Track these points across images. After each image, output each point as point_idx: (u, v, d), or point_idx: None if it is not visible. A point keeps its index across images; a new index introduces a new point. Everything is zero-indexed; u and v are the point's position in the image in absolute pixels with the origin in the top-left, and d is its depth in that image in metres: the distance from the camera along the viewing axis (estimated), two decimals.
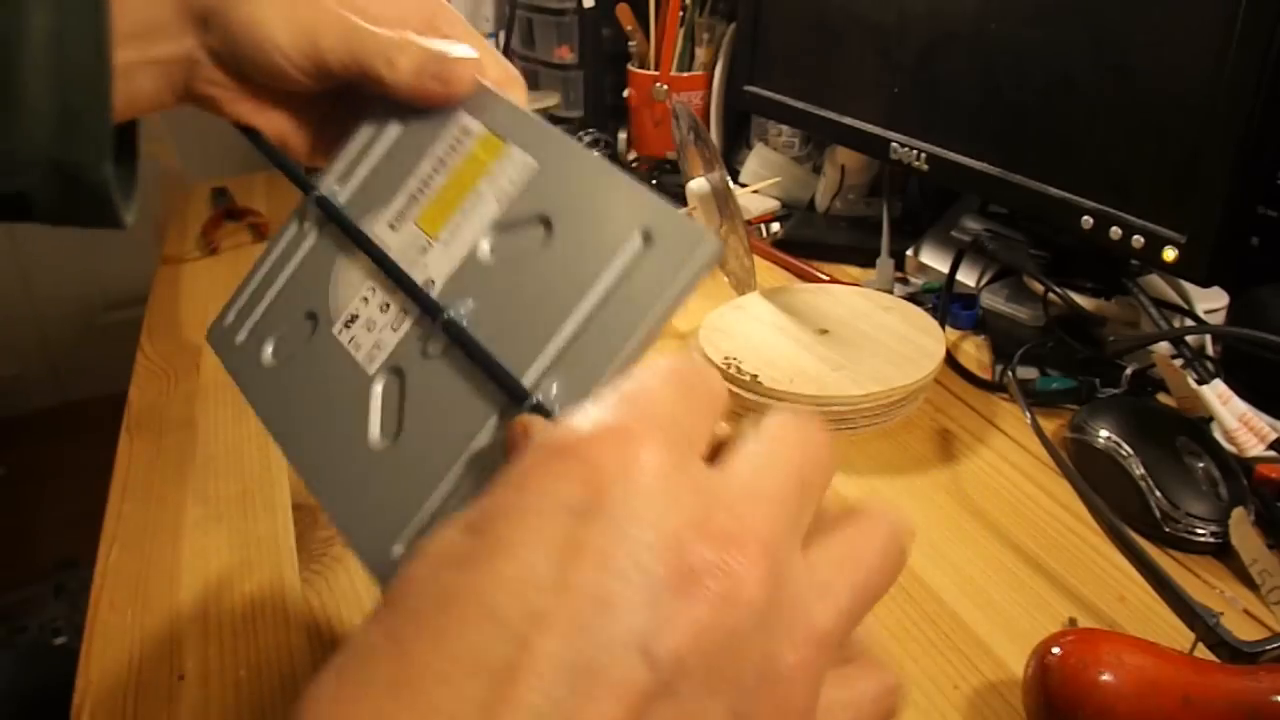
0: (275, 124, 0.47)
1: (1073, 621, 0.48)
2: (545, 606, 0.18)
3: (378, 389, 0.38)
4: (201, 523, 0.57)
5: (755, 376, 0.62)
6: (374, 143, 0.43)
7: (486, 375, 0.34)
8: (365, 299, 0.40)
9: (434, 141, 0.41)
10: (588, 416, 0.21)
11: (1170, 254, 0.58)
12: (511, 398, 0.32)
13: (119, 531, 0.57)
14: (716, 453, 0.23)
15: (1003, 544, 0.54)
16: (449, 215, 0.39)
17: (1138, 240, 0.60)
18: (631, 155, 1.11)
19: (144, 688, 0.46)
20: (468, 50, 0.41)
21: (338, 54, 0.42)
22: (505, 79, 0.42)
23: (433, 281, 0.38)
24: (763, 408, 0.62)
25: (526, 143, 0.38)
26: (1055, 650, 0.39)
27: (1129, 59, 0.60)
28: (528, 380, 0.32)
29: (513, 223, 0.37)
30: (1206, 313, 0.69)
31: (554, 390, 0.32)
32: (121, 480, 0.62)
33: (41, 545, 1.84)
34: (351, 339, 0.40)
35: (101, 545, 0.56)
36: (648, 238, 0.33)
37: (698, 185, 0.73)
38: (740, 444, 0.23)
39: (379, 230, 0.40)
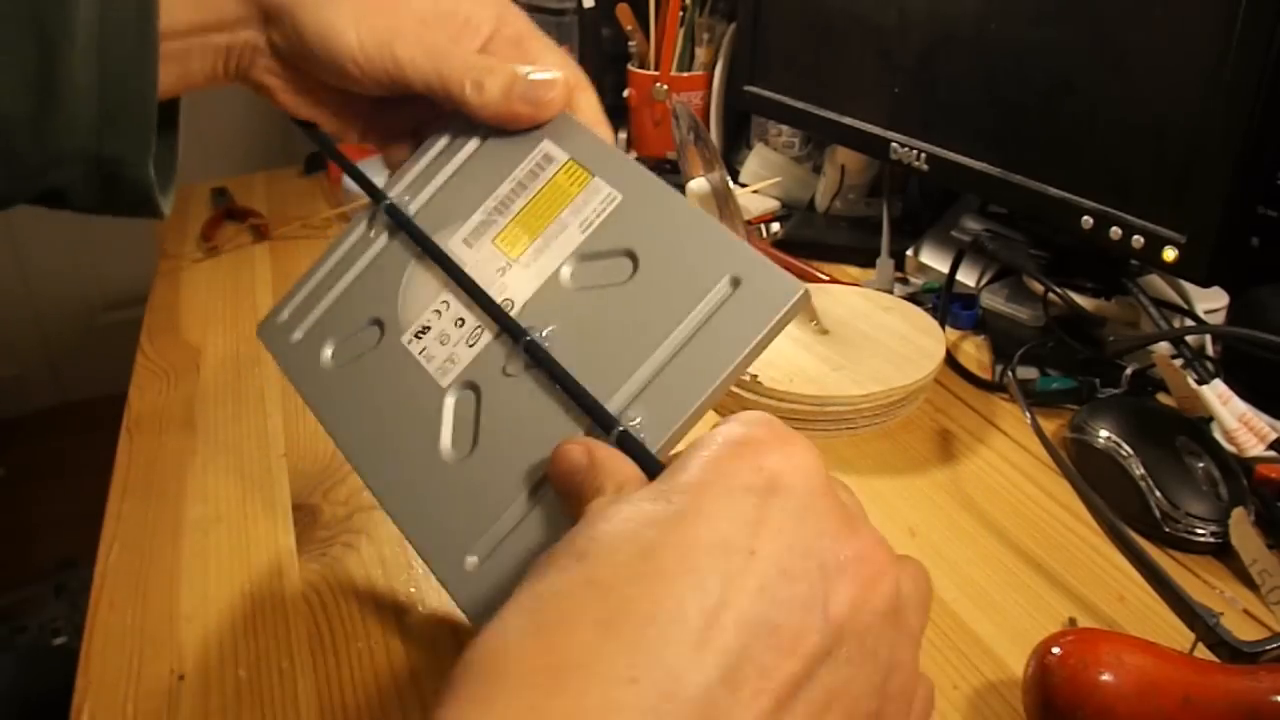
0: (329, 116, 0.47)
1: (1073, 621, 0.48)
2: (738, 568, 0.21)
3: (450, 402, 0.39)
4: (201, 523, 0.57)
5: (755, 376, 0.62)
6: (449, 155, 0.43)
7: (570, 399, 0.35)
8: (438, 312, 0.40)
9: (514, 164, 0.41)
10: (746, 425, 0.26)
11: (1170, 254, 0.58)
12: (596, 422, 0.33)
13: (119, 531, 0.57)
14: None
15: (1003, 544, 0.54)
16: (530, 239, 0.39)
17: (1138, 240, 0.60)
18: (631, 155, 1.11)
19: (144, 688, 0.46)
20: (554, 73, 0.41)
21: (420, 71, 0.41)
22: (595, 121, 0.42)
23: (511, 302, 0.39)
24: (763, 408, 0.62)
25: (611, 176, 0.39)
26: (1055, 650, 0.39)
27: (1129, 59, 0.60)
28: (613, 408, 0.33)
29: (596, 253, 0.38)
30: (1206, 313, 0.69)
31: (638, 420, 0.33)
32: (121, 480, 0.62)
33: (41, 545, 1.84)
34: (423, 350, 0.40)
35: (101, 545, 0.56)
36: (736, 283, 0.35)
37: (698, 185, 0.73)
38: None
39: (453, 245, 0.41)
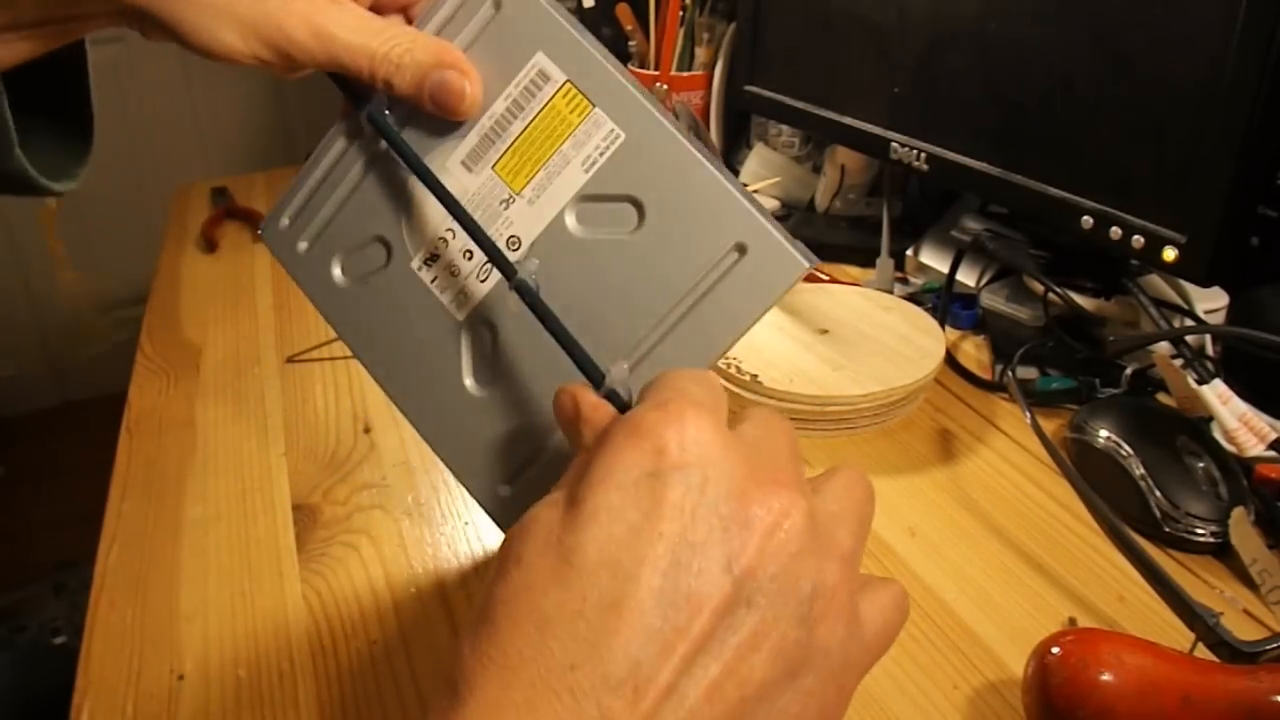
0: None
1: (1072, 621, 0.48)
2: (649, 552, 0.23)
3: (468, 337, 0.39)
4: (201, 523, 0.57)
5: (755, 376, 0.62)
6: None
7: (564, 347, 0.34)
8: (444, 240, 0.39)
9: (508, 75, 0.38)
10: (645, 404, 0.27)
11: (1170, 254, 0.58)
12: (588, 377, 0.33)
13: (119, 531, 0.57)
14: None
15: (1003, 544, 0.54)
16: (533, 172, 0.38)
17: (1138, 240, 0.60)
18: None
19: (144, 688, 0.46)
20: (466, 84, 0.38)
21: (316, 63, 0.38)
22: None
23: (519, 240, 0.38)
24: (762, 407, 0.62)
25: (614, 110, 0.37)
26: (1055, 650, 0.39)
27: (1129, 59, 0.60)
28: (613, 366, 0.33)
29: (601, 196, 0.37)
30: (1206, 313, 0.69)
31: (630, 379, 0.33)
32: (121, 480, 0.62)
33: (41, 545, 1.84)
34: (434, 279, 0.40)
35: (101, 545, 0.56)
36: (742, 249, 0.35)
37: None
38: (737, 424, 0.28)
39: (451, 166, 0.39)
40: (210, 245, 0.98)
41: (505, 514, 0.38)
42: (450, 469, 0.39)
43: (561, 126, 0.37)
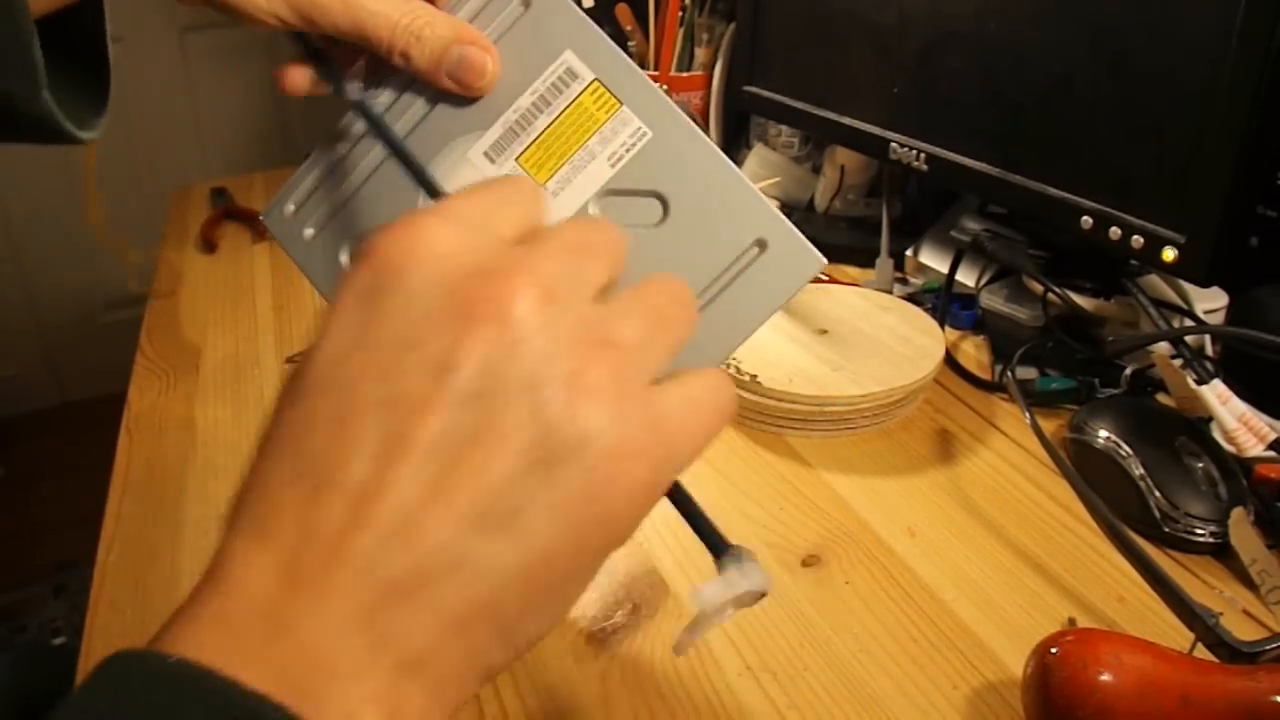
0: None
1: (1072, 621, 0.48)
2: (362, 361, 0.23)
3: None
4: (201, 523, 0.57)
5: (755, 377, 0.62)
6: None
7: None
8: None
9: (534, 71, 0.39)
10: (383, 226, 0.26)
11: (1170, 254, 0.58)
12: None
13: (119, 531, 0.57)
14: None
15: (1003, 544, 0.54)
16: (557, 165, 0.38)
17: (1137, 240, 0.60)
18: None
19: None
20: (487, 58, 0.38)
21: (338, 26, 0.39)
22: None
23: None
24: (763, 408, 0.62)
25: (640, 108, 0.38)
26: (1054, 650, 0.39)
27: (1129, 59, 0.60)
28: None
29: (626, 191, 0.38)
30: (1206, 313, 0.69)
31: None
32: (121, 480, 0.62)
33: (41, 545, 1.84)
34: None
35: (101, 545, 0.56)
36: (762, 245, 0.37)
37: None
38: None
39: (474, 157, 0.39)
40: (210, 246, 0.98)
41: None
42: None
43: (588, 122, 0.38)
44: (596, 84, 0.38)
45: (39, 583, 1.74)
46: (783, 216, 0.36)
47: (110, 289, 2.14)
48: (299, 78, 0.41)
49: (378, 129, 0.37)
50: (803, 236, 0.36)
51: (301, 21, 0.38)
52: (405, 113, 0.40)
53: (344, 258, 0.41)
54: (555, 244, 0.25)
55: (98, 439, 0.90)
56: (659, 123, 0.37)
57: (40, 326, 2.19)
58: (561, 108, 0.38)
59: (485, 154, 0.39)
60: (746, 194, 0.37)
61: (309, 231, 0.42)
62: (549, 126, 0.38)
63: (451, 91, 0.39)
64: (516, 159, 0.39)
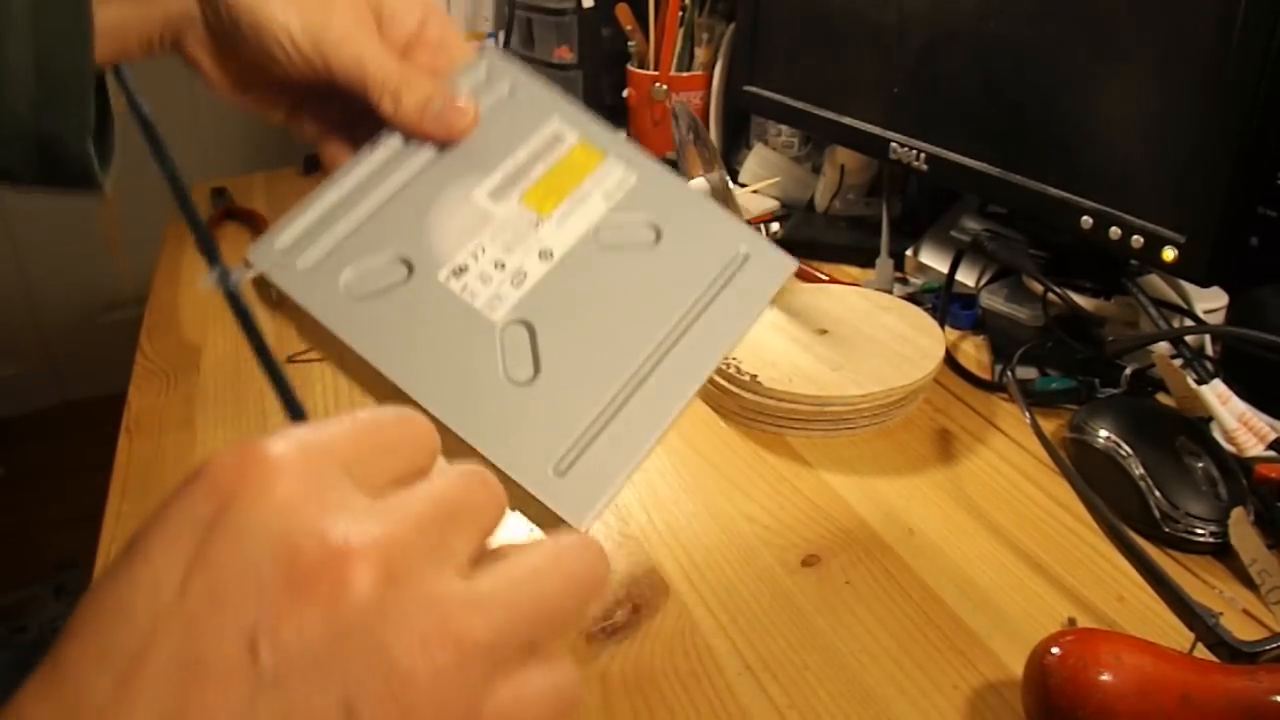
0: (256, 97, 0.48)
1: (1072, 621, 0.48)
2: (167, 606, 0.20)
3: (505, 337, 0.42)
4: None
5: (755, 377, 0.62)
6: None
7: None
8: (475, 256, 0.43)
9: (526, 132, 0.45)
10: (241, 442, 0.23)
11: (1170, 254, 0.58)
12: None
13: (119, 531, 0.57)
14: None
15: (1003, 544, 0.54)
16: (559, 200, 0.44)
17: (1137, 240, 0.60)
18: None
19: None
20: (468, 104, 0.44)
21: (345, 71, 0.43)
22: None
23: (550, 252, 0.43)
24: (763, 408, 0.62)
25: (624, 158, 0.45)
26: (1054, 650, 0.39)
27: (1129, 59, 0.60)
28: (640, 358, 0.40)
29: (623, 220, 0.44)
30: (1206, 313, 0.69)
31: (673, 356, 0.40)
32: (121, 480, 0.62)
33: (41, 545, 1.84)
34: (464, 287, 0.43)
35: (101, 545, 0.56)
36: (745, 257, 0.43)
37: (697, 185, 0.73)
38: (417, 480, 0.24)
39: (477, 198, 0.44)
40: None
41: (557, 495, 0.39)
42: (492, 462, 0.39)
43: (581, 168, 0.45)
44: (583, 141, 0.45)
45: (39, 583, 1.74)
46: (756, 231, 0.44)
47: (110, 289, 2.14)
48: None
49: (243, 319, 0.39)
50: (777, 247, 0.43)
51: (317, 57, 0.43)
52: (407, 161, 0.45)
53: (343, 284, 0.43)
54: (421, 507, 0.23)
55: (98, 439, 0.90)
56: (641, 168, 0.44)
57: (40, 326, 2.19)
58: (555, 159, 0.45)
59: (489, 195, 0.44)
60: (725, 217, 0.44)
61: (304, 264, 0.45)
62: (547, 172, 0.44)
63: (432, 135, 0.44)
64: (520, 199, 0.44)
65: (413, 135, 0.45)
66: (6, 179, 0.43)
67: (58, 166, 0.43)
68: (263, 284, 0.47)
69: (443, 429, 0.40)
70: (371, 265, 0.44)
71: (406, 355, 0.42)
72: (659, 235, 0.44)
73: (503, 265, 0.43)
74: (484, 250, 0.44)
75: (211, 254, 0.40)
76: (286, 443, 0.23)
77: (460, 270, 0.43)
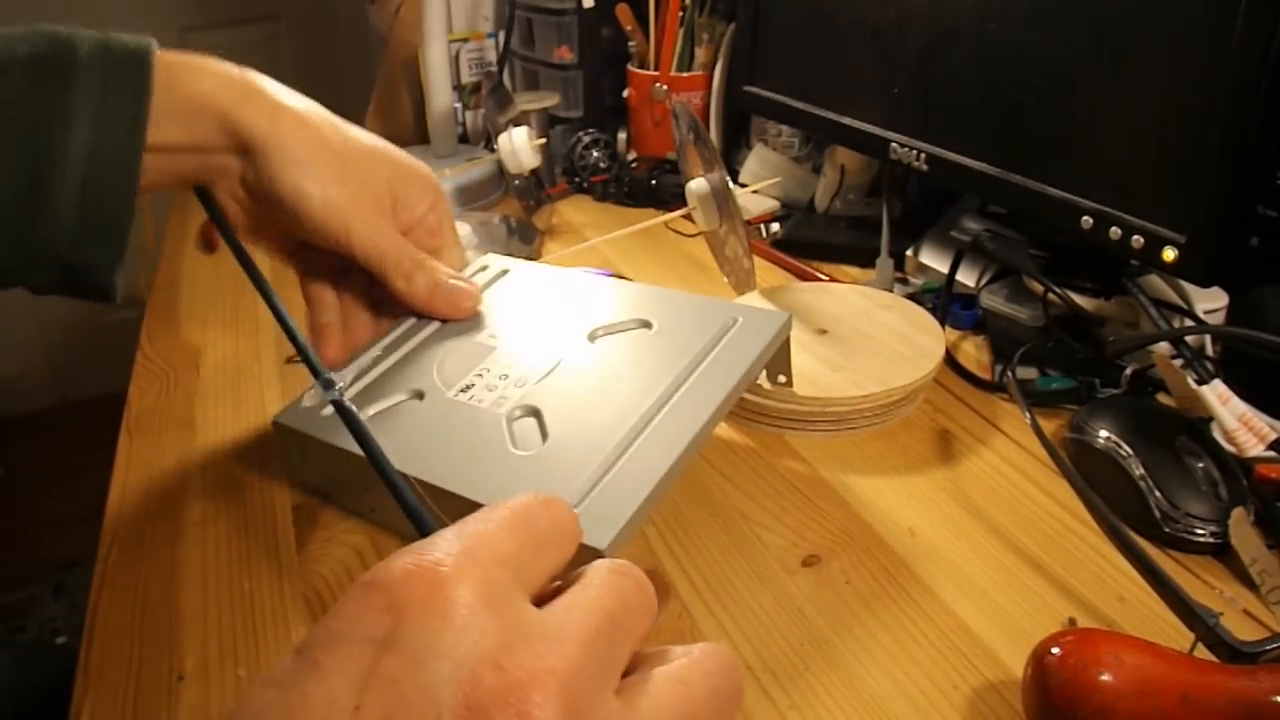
0: (268, 241, 0.55)
1: (1072, 621, 0.48)
2: None
3: (512, 423, 0.47)
4: (201, 523, 0.57)
5: None
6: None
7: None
8: (480, 375, 0.51)
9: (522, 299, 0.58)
10: (410, 552, 0.22)
11: (1170, 254, 0.58)
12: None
13: (119, 531, 0.57)
14: (554, 595, 0.24)
15: (1003, 544, 0.54)
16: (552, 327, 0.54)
17: (1137, 240, 0.60)
18: (631, 155, 1.11)
19: (144, 688, 0.46)
20: (472, 285, 0.55)
21: (365, 252, 0.50)
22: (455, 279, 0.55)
23: (551, 358, 0.50)
24: (763, 408, 0.62)
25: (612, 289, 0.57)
26: (1055, 650, 0.39)
27: (1129, 59, 0.60)
28: (642, 410, 0.45)
29: (613, 326, 0.52)
30: (1206, 313, 0.69)
31: (674, 405, 0.46)
32: (121, 480, 0.62)
33: (41, 545, 1.84)
34: (471, 397, 0.49)
35: (101, 545, 0.56)
36: (736, 320, 0.50)
37: (697, 185, 0.73)
38: (564, 590, 0.24)
39: (480, 337, 0.54)
40: (210, 245, 0.98)
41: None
42: None
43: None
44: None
45: (39, 583, 1.74)
46: (748, 305, 0.55)
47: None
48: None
49: (357, 431, 0.40)
50: (770, 308, 0.55)
51: (342, 234, 0.50)
52: (416, 334, 0.54)
53: (367, 413, 0.50)
54: (587, 623, 0.22)
55: (98, 439, 0.90)
56: (629, 290, 0.56)
57: (40, 326, 2.19)
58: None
59: (489, 335, 0.54)
60: (711, 300, 0.53)
61: (326, 412, 0.52)
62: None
63: (442, 312, 0.54)
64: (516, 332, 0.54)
65: (423, 312, 0.54)
66: (23, 287, 0.46)
67: (81, 288, 0.46)
68: (285, 441, 0.55)
69: (462, 502, 0.44)
70: (388, 404, 0.51)
71: (419, 453, 0.47)
72: (650, 328, 0.51)
73: (506, 376, 0.50)
74: (488, 370, 0.51)
75: (315, 370, 0.43)
76: (457, 551, 0.22)
77: (468, 387, 0.50)
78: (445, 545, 0.22)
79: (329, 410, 0.51)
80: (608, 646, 0.23)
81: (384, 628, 0.21)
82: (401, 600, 0.21)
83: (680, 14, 1.02)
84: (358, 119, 0.56)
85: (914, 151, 0.76)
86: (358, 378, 0.53)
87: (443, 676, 0.20)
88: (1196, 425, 0.57)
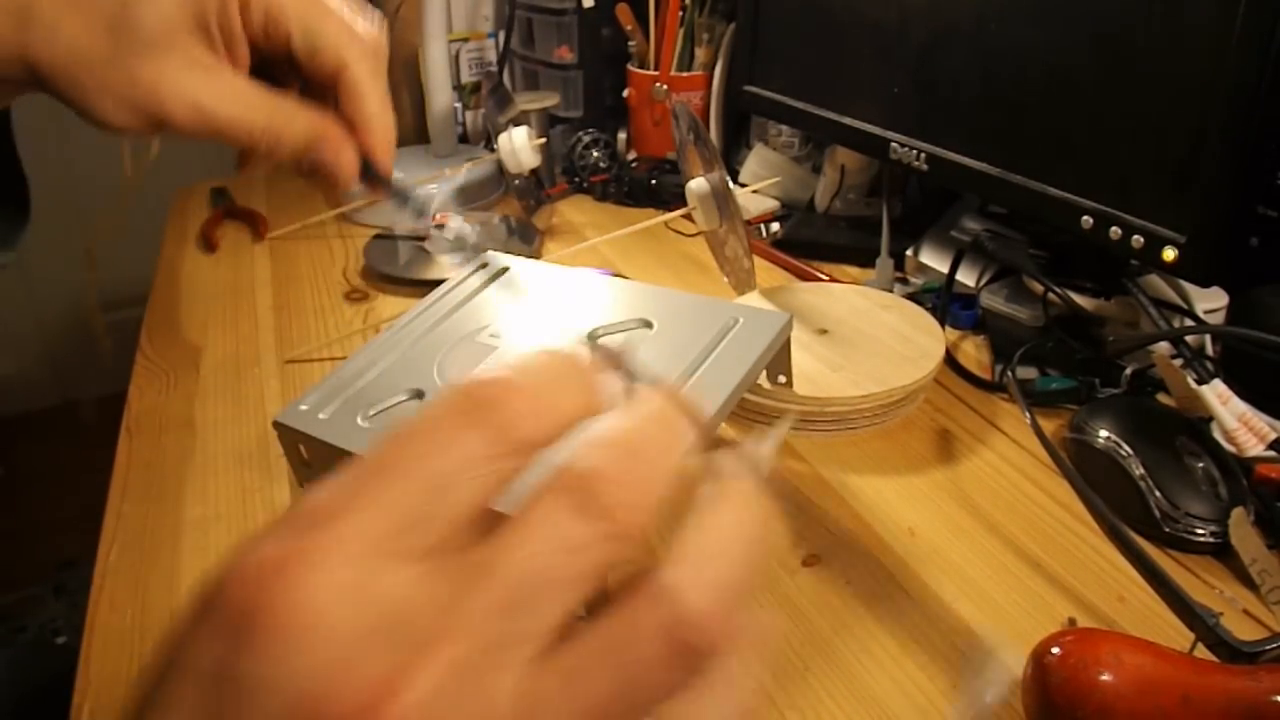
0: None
1: (1072, 621, 0.48)
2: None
3: None
4: (201, 523, 0.57)
5: None
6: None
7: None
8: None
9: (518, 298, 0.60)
10: (256, 541, 0.18)
11: (1170, 254, 0.58)
12: None
13: (119, 531, 0.57)
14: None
15: (1003, 544, 0.54)
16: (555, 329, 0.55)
17: (1137, 240, 0.60)
18: (631, 155, 1.11)
19: None
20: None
21: (193, 130, 0.39)
22: (379, 102, 0.42)
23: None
24: (763, 408, 0.62)
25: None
26: (1055, 650, 0.39)
27: (1128, 59, 0.60)
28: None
29: (614, 326, 0.53)
30: (1206, 313, 0.69)
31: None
32: (121, 480, 0.62)
33: (41, 545, 1.84)
34: None
35: (101, 545, 0.56)
36: (736, 320, 0.51)
37: (697, 185, 0.73)
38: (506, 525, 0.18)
39: (481, 337, 0.55)
40: (210, 246, 0.98)
41: None
42: None
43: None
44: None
45: (39, 583, 1.74)
46: (749, 305, 0.56)
47: (110, 289, 2.13)
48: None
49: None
50: (771, 309, 0.54)
51: (151, 128, 0.39)
52: (405, 329, 0.56)
53: (360, 420, 0.51)
54: (512, 570, 0.17)
55: (98, 439, 0.90)
56: (634, 290, 0.57)
57: (40, 326, 2.19)
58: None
59: (490, 335, 0.55)
60: (713, 300, 0.54)
61: (325, 415, 0.52)
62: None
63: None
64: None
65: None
66: None
67: None
68: (285, 441, 0.55)
69: None
70: (387, 404, 0.52)
71: None
72: (650, 326, 0.52)
73: None
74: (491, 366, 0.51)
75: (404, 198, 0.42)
76: (313, 532, 0.17)
77: None
78: (302, 520, 0.18)
79: (329, 411, 0.52)
80: (523, 610, 0.17)
81: (215, 656, 0.17)
82: (240, 611, 0.17)
83: (680, 14, 1.02)
84: None
85: (914, 151, 0.76)
86: (358, 377, 0.54)
87: (278, 710, 0.16)
88: (1196, 425, 0.57)
